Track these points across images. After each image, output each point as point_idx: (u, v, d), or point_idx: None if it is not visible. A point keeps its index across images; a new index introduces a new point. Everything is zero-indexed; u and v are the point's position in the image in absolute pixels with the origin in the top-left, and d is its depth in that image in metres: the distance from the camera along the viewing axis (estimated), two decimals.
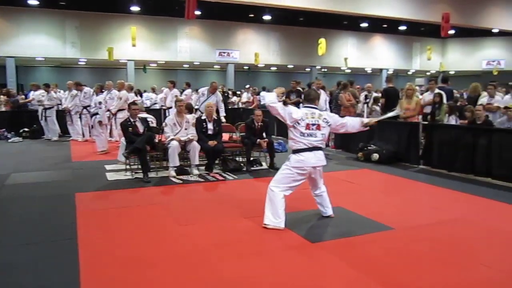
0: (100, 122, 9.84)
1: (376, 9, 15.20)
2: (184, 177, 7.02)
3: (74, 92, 11.83)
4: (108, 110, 10.15)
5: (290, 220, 4.51)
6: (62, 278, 3.33)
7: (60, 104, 12.71)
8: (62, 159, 8.87)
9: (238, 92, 19.11)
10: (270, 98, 4.52)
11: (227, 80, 23.30)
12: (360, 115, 10.92)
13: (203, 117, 7.80)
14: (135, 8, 19.13)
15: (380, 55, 27.01)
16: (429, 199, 5.98)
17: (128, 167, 7.26)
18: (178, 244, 4.08)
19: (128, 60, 21.23)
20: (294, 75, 25.79)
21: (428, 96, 9.15)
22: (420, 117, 8.96)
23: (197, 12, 13.80)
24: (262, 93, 4.97)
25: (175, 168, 7.15)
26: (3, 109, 13.55)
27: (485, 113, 7.85)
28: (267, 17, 21.02)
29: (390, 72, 27.31)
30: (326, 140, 4.77)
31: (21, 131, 12.37)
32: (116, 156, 8.21)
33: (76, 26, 19.99)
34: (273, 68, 29.39)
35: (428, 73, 29.68)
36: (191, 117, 7.82)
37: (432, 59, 25.45)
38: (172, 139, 7.11)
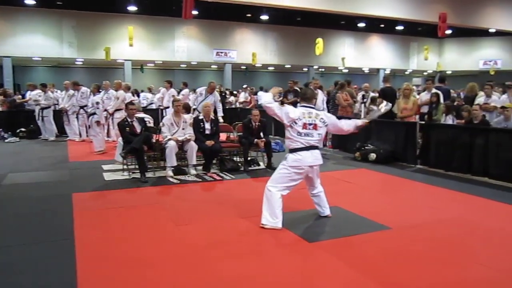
0: (97, 122, 9.83)
1: (373, 9, 15.22)
2: (182, 177, 7.02)
3: (71, 92, 11.81)
4: (105, 110, 10.13)
5: (288, 220, 4.51)
6: (59, 278, 3.32)
7: (57, 104, 12.67)
8: (59, 159, 8.85)
9: (235, 92, 19.11)
10: (266, 99, 4.52)
11: (224, 80, 23.29)
12: (357, 114, 10.94)
13: (200, 117, 7.79)
14: (132, 8, 19.09)
15: (377, 55, 27.05)
16: (426, 199, 5.99)
17: (125, 167, 7.24)
18: (176, 244, 4.08)
19: (125, 60, 21.20)
20: (291, 75, 25.75)
21: (425, 96, 9.17)
22: (417, 116, 8.98)
23: (194, 12, 13.82)
24: (259, 93, 4.96)
25: (173, 168, 7.14)
26: (0, 109, 13.50)
27: (482, 113, 7.88)
28: (264, 17, 21.03)
29: (388, 72, 27.34)
30: (323, 139, 4.80)
31: (18, 131, 12.34)
32: (113, 156, 8.19)
33: (73, 26, 19.95)
34: (271, 68, 29.39)
35: (425, 73, 29.75)
36: (188, 117, 7.81)
37: (429, 59, 25.53)
38: (169, 139, 7.11)
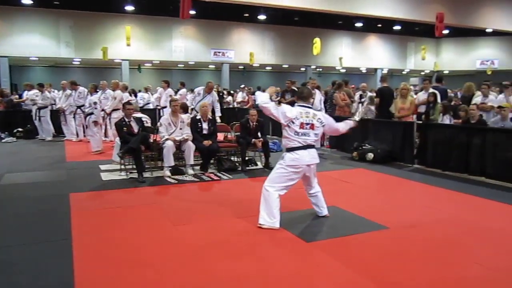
0: (95, 122, 9.81)
1: (370, 9, 15.25)
2: (179, 177, 7.01)
3: (68, 92, 11.79)
4: (103, 110, 10.12)
5: (285, 219, 4.51)
6: (56, 278, 3.31)
7: (54, 104, 12.65)
8: (57, 159, 8.83)
9: (232, 92, 19.10)
10: (263, 99, 4.50)
11: (222, 80, 23.29)
12: (355, 114, 10.94)
13: (198, 117, 7.79)
14: (129, 8, 19.09)
15: (374, 54, 27.09)
16: (423, 198, 6.00)
17: (122, 167, 7.24)
18: (173, 244, 4.07)
19: (122, 59, 21.18)
20: (289, 75, 25.80)
21: (422, 96, 9.19)
22: (415, 116, 8.99)
23: (192, 12, 13.83)
24: (256, 93, 4.96)
25: (170, 168, 7.14)
26: None
27: (479, 113, 7.90)
28: (262, 17, 21.03)
29: (385, 71, 27.38)
30: (321, 139, 4.82)
31: (15, 131, 12.31)
32: (111, 156, 8.19)
33: (70, 26, 19.91)
34: (268, 68, 29.40)
35: (422, 73, 29.81)
36: (186, 117, 7.81)
37: (427, 58, 25.59)
38: (167, 139, 7.10)
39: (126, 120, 7.19)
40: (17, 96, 15.58)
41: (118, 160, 7.29)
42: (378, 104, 9.65)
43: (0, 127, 12.27)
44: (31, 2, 17.83)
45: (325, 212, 4.83)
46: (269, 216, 4.39)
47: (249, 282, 3.28)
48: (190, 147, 7.24)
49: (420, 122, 8.48)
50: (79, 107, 11.46)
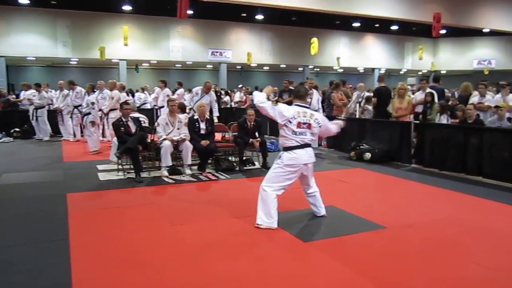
0: (92, 122, 9.79)
1: (368, 9, 15.25)
2: (177, 177, 7.01)
3: (66, 91, 11.77)
4: (100, 110, 10.10)
5: (283, 219, 4.51)
6: (53, 278, 3.31)
7: (51, 104, 12.62)
8: (54, 159, 8.81)
9: (229, 91, 19.08)
10: (259, 98, 4.49)
11: (219, 80, 23.27)
12: (352, 114, 10.97)
13: (195, 117, 7.79)
14: (127, 7, 19.02)
15: (372, 54, 27.11)
16: (420, 198, 6.02)
17: (120, 167, 7.22)
18: (171, 244, 4.07)
19: (120, 59, 21.12)
20: (286, 75, 25.81)
21: (419, 96, 9.20)
22: (412, 116, 9.01)
23: (190, 12, 13.80)
24: (254, 93, 4.95)
25: (168, 168, 7.13)
26: None
27: (476, 112, 7.92)
28: (259, 17, 21.01)
29: (382, 71, 27.43)
30: (319, 139, 4.83)
31: (12, 131, 12.28)
32: (108, 156, 8.17)
33: (68, 26, 19.85)
34: (266, 68, 29.40)
35: (419, 73, 29.83)
36: (183, 117, 7.81)
37: (424, 58, 25.64)
38: (164, 139, 7.10)
39: (124, 120, 7.18)
40: (14, 96, 15.53)
41: (116, 160, 7.27)
42: (376, 104, 9.67)
43: None
44: (28, 1, 17.76)
45: (323, 212, 4.83)
46: (267, 216, 4.39)
47: (247, 282, 3.28)
48: (187, 147, 7.23)
49: (418, 122, 8.50)
50: (76, 107, 11.43)
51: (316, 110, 9.06)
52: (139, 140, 6.97)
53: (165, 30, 21.86)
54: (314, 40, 17.72)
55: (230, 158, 8.08)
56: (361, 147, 8.78)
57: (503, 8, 17.69)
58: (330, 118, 5.54)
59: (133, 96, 15.22)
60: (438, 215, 5.05)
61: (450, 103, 10.65)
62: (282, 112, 4.40)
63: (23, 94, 13.22)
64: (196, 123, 7.61)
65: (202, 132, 7.60)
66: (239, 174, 7.42)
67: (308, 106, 4.70)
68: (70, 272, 3.37)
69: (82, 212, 5.11)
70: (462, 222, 4.84)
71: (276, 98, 10.33)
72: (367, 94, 11.39)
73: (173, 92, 13.07)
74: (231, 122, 8.83)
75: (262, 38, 24.15)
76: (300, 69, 26.52)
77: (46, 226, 4.58)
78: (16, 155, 9.50)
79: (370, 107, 10.58)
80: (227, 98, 17.30)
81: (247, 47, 23.12)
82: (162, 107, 11.90)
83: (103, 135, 10.87)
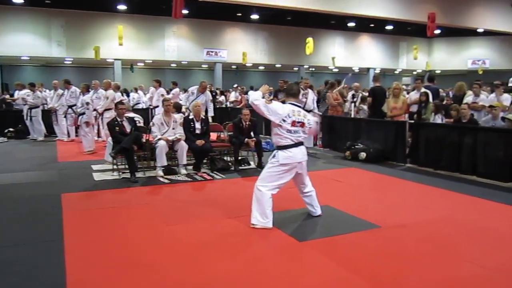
0: (87, 123, 9.76)
1: (363, 9, 15.30)
2: (172, 177, 7.00)
3: (60, 91, 11.73)
4: (95, 110, 10.07)
5: (278, 219, 4.52)
6: (48, 279, 3.29)
7: (46, 104, 12.56)
8: (48, 159, 8.77)
9: (223, 91, 19.06)
10: (254, 96, 4.47)
11: (215, 80, 23.25)
12: (347, 114, 10.99)
13: (191, 117, 7.78)
14: (122, 7, 18.99)
15: (367, 54, 27.17)
16: (415, 197, 6.04)
17: (115, 167, 7.21)
18: (166, 244, 4.06)
19: (115, 59, 21.06)
20: (282, 75, 25.85)
21: (414, 95, 9.24)
22: (407, 116, 9.04)
23: (185, 11, 13.78)
24: (249, 93, 4.95)
25: (163, 168, 7.12)
26: None
27: (471, 112, 7.96)
28: (254, 17, 21.01)
29: (377, 71, 27.50)
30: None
31: (6, 131, 12.22)
32: (103, 156, 8.16)
33: (62, 25, 19.76)
34: (261, 68, 29.41)
35: (414, 72, 29.93)
36: (178, 117, 7.79)
37: (419, 58, 25.71)
38: (159, 139, 7.08)
39: (119, 119, 7.17)
40: (8, 96, 15.46)
41: (111, 160, 7.26)
42: (371, 103, 9.69)
43: None
44: (22, 1, 17.68)
45: (319, 211, 4.84)
46: (262, 216, 4.39)
47: (242, 281, 3.28)
48: (183, 147, 7.22)
49: (412, 121, 8.52)
50: (70, 106, 11.39)
51: (311, 110, 9.11)
52: (134, 140, 6.96)
53: (160, 29, 21.81)
54: (309, 40, 17.73)
55: (225, 158, 8.07)
56: (356, 146, 8.80)
57: (497, 8, 17.80)
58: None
59: (128, 96, 15.17)
60: (432, 214, 5.07)
61: (444, 102, 10.70)
62: (276, 110, 4.39)
63: (17, 94, 13.16)
64: (191, 123, 7.60)
65: (197, 132, 7.59)
66: (234, 173, 7.42)
67: (300, 105, 4.70)
68: (64, 272, 3.36)
69: (77, 212, 5.10)
70: (456, 221, 4.86)
71: (271, 97, 10.33)
72: (362, 93, 11.42)
73: (168, 92, 13.04)
74: (226, 122, 8.83)
75: (258, 38, 24.16)
76: (295, 69, 26.55)
77: (41, 226, 4.56)
78: (10, 155, 9.45)
79: (365, 107, 10.61)
80: (222, 98, 17.29)
81: (242, 46, 23.12)
82: (157, 106, 11.88)
83: (99, 135, 10.85)
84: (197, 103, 8.09)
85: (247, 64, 24.19)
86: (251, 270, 3.48)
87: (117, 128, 7.06)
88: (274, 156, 4.49)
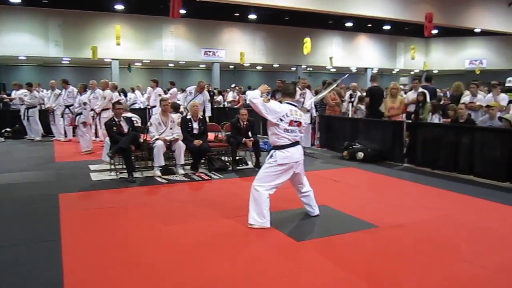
0: (84, 123, 9.74)
1: (360, 9, 15.32)
2: (170, 177, 6.99)
3: (58, 91, 11.71)
4: (92, 110, 10.05)
5: (276, 219, 4.52)
6: (45, 279, 3.29)
7: (43, 104, 12.54)
8: (46, 159, 8.76)
9: (221, 91, 19.04)
10: (253, 95, 4.47)
11: (212, 79, 23.23)
12: (345, 114, 11.01)
13: (188, 117, 7.77)
14: (119, 7, 18.94)
15: (364, 54, 27.20)
16: (413, 197, 6.05)
17: (112, 167, 7.19)
18: (164, 244, 4.06)
19: (112, 59, 21.02)
20: (279, 74, 25.83)
21: (412, 95, 9.24)
22: (404, 115, 9.06)
23: (182, 11, 13.78)
24: (247, 92, 4.94)
25: (160, 168, 7.11)
26: None
27: (468, 112, 7.98)
28: (252, 16, 21.01)
29: (375, 71, 27.52)
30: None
31: (3, 131, 12.20)
32: (101, 156, 8.14)
33: (59, 25, 19.70)
34: (259, 67, 29.40)
35: (412, 72, 30.00)
36: (176, 117, 7.79)
37: (416, 58, 25.72)
38: (157, 139, 7.08)
39: (116, 119, 7.16)
40: (5, 96, 15.41)
41: (108, 160, 7.24)
42: (368, 103, 9.70)
43: None
44: (20, 0, 17.63)
45: (317, 211, 4.84)
46: (260, 216, 4.39)
47: (240, 281, 3.27)
48: (180, 147, 7.22)
49: (410, 121, 8.54)
50: (67, 106, 11.37)
51: (309, 110, 9.11)
52: (132, 140, 6.95)
53: (157, 29, 21.78)
54: (307, 39, 17.75)
55: (223, 158, 8.07)
56: (353, 146, 8.81)
57: (495, 8, 17.85)
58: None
59: (125, 95, 15.15)
60: (430, 214, 5.08)
61: (442, 102, 10.71)
62: (274, 109, 4.38)
63: (15, 94, 13.12)
64: (189, 123, 7.60)
65: (195, 131, 7.59)
66: (232, 173, 7.42)
67: (296, 105, 4.70)
68: (62, 272, 3.35)
69: (74, 212, 5.09)
70: (454, 221, 4.86)
71: (269, 97, 10.33)
72: (359, 93, 11.43)
73: (166, 92, 13.02)
74: (224, 122, 8.82)
75: (255, 38, 24.15)
76: (293, 68, 26.56)
77: (38, 226, 4.55)
78: (7, 155, 9.43)
79: (362, 107, 10.62)
80: (220, 98, 17.27)
81: (240, 46, 23.10)
82: (154, 106, 11.87)
83: (96, 135, 10.82)
84: (194, 103, 8.08)
85: (245, 64, 24.20)
86: (249, 270, 3.48)
87: (114, 128, 7.05)
88: (271, 156, 4.48)
